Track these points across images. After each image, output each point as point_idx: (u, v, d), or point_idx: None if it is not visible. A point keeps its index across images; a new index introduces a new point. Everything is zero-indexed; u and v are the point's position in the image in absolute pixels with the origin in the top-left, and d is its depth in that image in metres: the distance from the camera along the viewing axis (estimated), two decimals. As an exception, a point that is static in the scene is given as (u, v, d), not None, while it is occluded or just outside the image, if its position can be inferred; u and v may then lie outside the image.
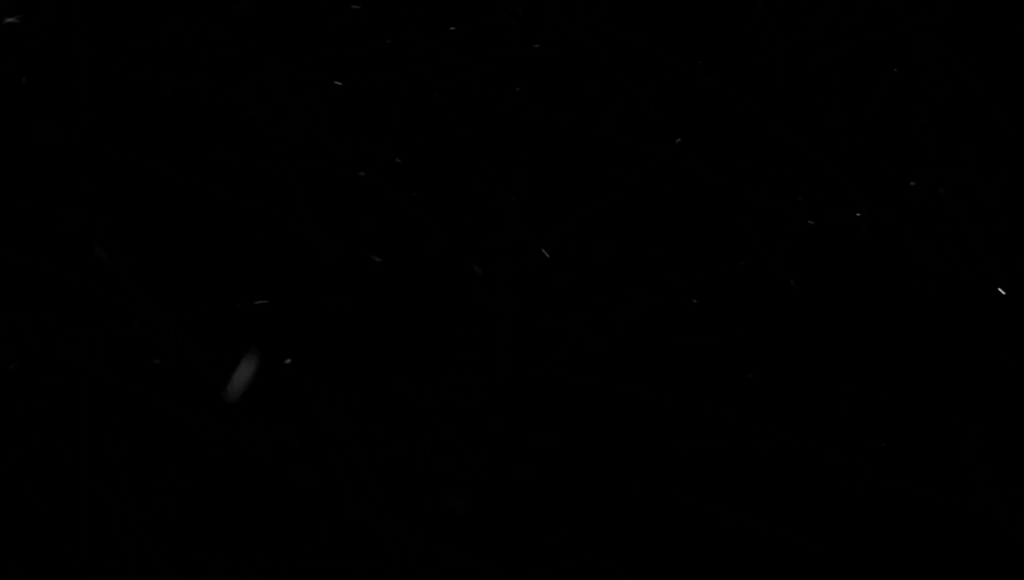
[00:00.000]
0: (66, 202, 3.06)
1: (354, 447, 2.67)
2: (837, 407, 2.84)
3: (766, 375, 2.88)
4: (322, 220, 3.10)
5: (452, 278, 3.01)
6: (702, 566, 2.57)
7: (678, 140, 2.59)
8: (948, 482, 2.72)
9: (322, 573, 2.49)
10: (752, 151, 3.38)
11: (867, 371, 2.91)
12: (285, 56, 3.45)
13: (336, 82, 2.45)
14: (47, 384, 2.71)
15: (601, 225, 3.17)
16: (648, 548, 2.59)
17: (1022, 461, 2.77)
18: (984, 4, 3.78)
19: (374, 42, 3.53)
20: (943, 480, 2.73)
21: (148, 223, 3.05)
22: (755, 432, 2.77)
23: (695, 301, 2.60)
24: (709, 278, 3.07)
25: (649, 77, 3.55)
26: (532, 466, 2.69)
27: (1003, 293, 2.58)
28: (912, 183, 3.04)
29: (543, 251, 2.38)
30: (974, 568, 2.61)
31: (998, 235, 3.22)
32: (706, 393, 2.83)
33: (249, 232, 3.06)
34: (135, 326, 2.83)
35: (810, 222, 3.18)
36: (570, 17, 3.66)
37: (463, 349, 2.87)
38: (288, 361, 2.63)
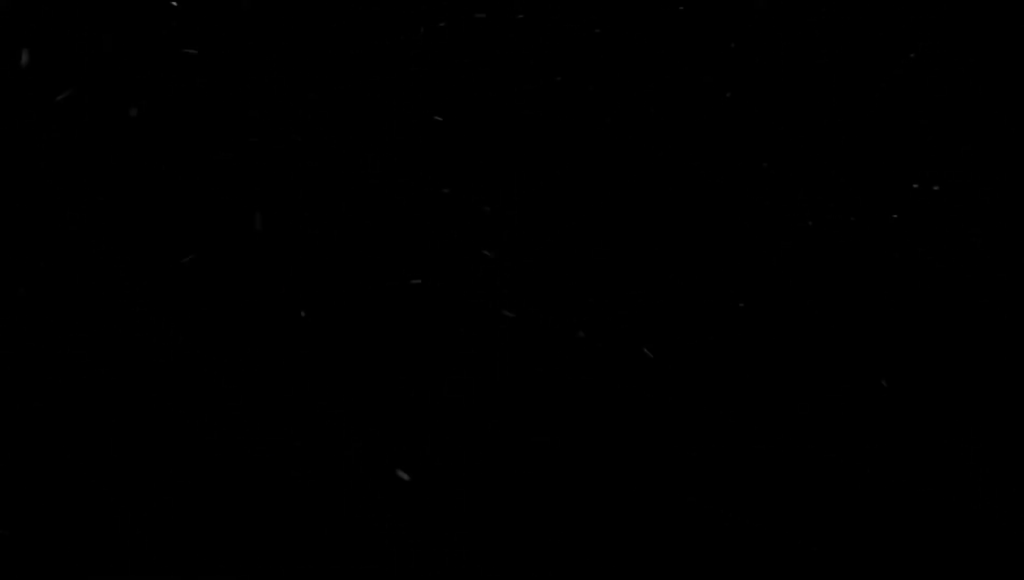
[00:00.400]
0: (66, 202, 3.06)
1: (354, 447, 2.67)
2: (837, 407, 2.84)
3: (766, 375, 2.88)
4: (322, 220, 3.10)
5: (452, 278, 3.01)
6: (702, 566, 2.57)
7: (728, 94, 2.57)
8: (948, 482, 2.72)
9: (322, 573, 2.49)
10: (752, 151, 3.38)
11: (867, 371, 2.91)
12: (285, 56, 3.45)
13: (437, 118, 2.45)
14: (47, 384, 2.71)
15: (601, 225, 3.17)
16: (648, 548, 2.59)
17: (1022, 461, 2.77)
18: (984, 4, 3.78)
19: (374, 42, 3.53)
20: (943, 480, 2.73)
21: (148, 223, 3.05)
22: (755, 432, 2.77)
23: (742, 305, 2.60)
24: (709, 278, 3.07)
25: (649, 77, 3.55)
26: (532, 466, 2.69)
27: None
28: (915, 185, 3.04)
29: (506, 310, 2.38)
30: (974, 568, 2.61)
31: (998, 235, 3.22)
32: (706, 393, 2.83)
33: (249, 232, 3.06)
34: (135, 326, 2.83)
35: (810, 222, 3.18)
36: (570, 17, 3.66)
37: (463, 349, 2.87)
38: (303, 313, 2.62)
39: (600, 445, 2.73)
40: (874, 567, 2.58)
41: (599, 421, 2.77)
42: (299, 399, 2.74)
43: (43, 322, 2.82)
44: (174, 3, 2.57)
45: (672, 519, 2.62)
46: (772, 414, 2.80)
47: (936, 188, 3.04)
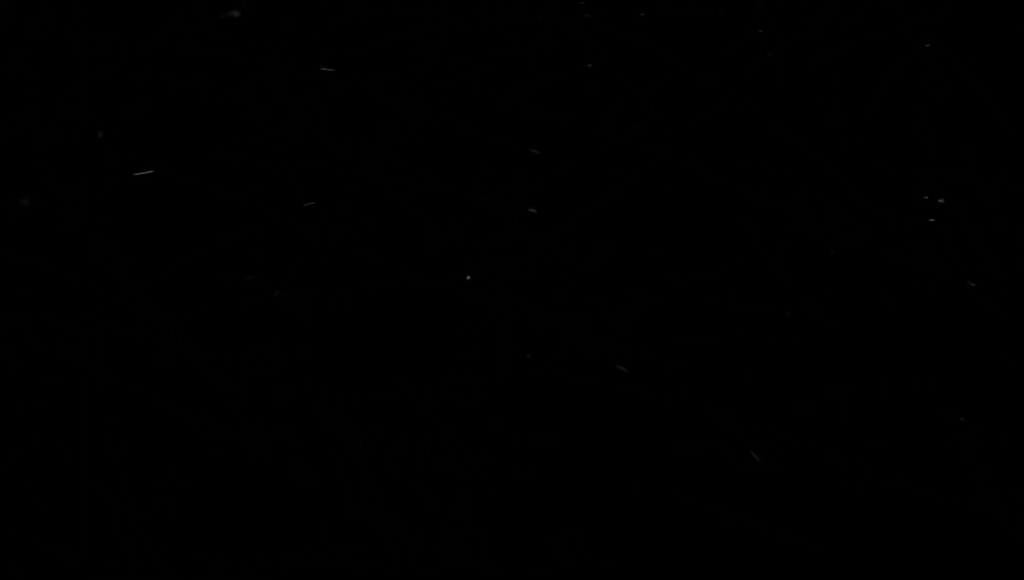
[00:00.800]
0: (66, 202, 3.06)
1: (354, 447, 2.67)
2: (837, 407, 2.83)
3: (766, 375, 2.88)
4: (322, 220, 3.10)
5: (452, 278, 3.01)
6: (702, 566, 2.56)
7: (770, 54, 2.56)
8: (948, 482, 2.72)
9: (322, 573, 2.49)
10: (752, 151, 3.38)
11: (867, 371, 2.91)
12: (285, 56, 3.45)
13: (534, 151, 2.44)
14: (47, 384, 2.71)
15: (601, 225, 3.17)
16: (648, 548, 2.59)
17: (1022, 461, 2.77)
18: (984, 4, 3.77)
19: (374, 42, 3.53)
20: (943, 480, 2.73)
21: (148, 223, 3.05)
22: (755, 432, 2.77)
23: (789, 314, 2.59)
24: (709, 278, 3.07)
25: (649, 77, 3.54)
26: (532, 466, 2.69)
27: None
28: (926, 197, 3.04)
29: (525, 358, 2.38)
30: (974, 568, 2.61)
31: (998, 235, 3.22)
32: (706, 393, 2.83)
33: (249, 232, 3.06)
34: (135, 326, 2.83)
35: (810, 223, 3.18)
36: (569, 17, 3.66)
37: (463, 349, 2.86)
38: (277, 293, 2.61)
39: (600, 445, 2.73)
40: (874, 567, 2.58)
41: (599, 421, 2.77)
42: (299, 399, 2.74)
43: (43, 322, 2.82)
44: (235, 13, 2.58)
45: (672, 519, 2.62)
46: (772, 414, 2.80)
47: (941, 201, 3.04)
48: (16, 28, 3.38)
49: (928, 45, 3.41)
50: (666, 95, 3.50)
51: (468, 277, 2.59)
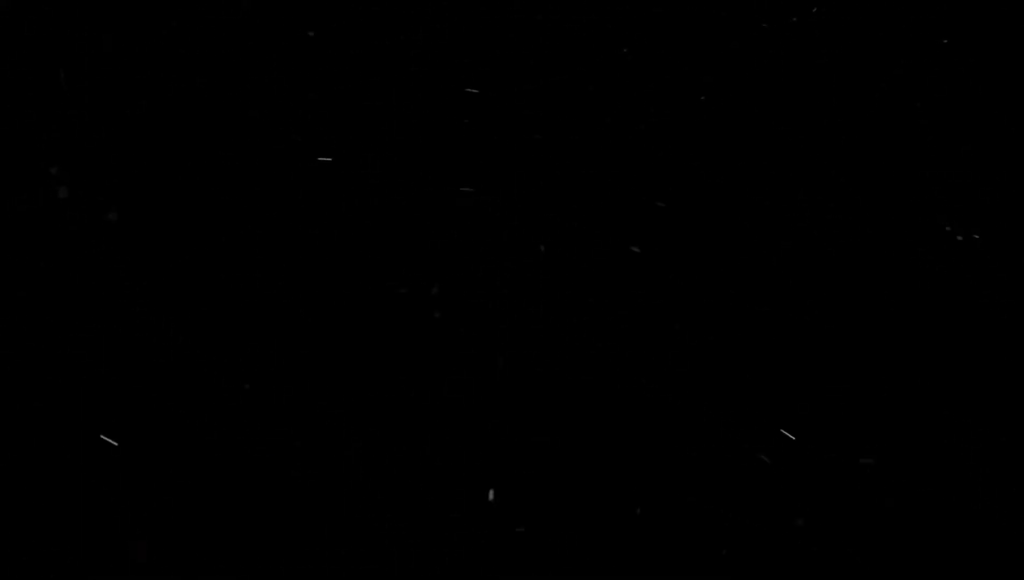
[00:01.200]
0: (67, 202, 3.07)
1: (354, 447, 2.67)
2: (837, 407, 2.84)
3: (766, 375, 2.88)
4: (322, 220, 3.10)
5: (452, 278, 3.01)
6: (702, 566, 2.57)
7: (770, 54, 2.55)
8: (948, 482, 2.73)
9: (322, 573, 2.49)
10: (752, 151, 3.38)
11: (867, 371, 2.91)
12: (285, 56, 3.45)
13: (471, 89, 2.44)
14: (47, 384, 2.71)
15: (601, 225, 3.17)
16: (648, 548, 2.59)
17: (1022, 461, 2.77)
18: (984, 4, 3.78)
19: (374, 42, 3.53)
20: (943, 480, 2.73)
21: (148, 223, 3.05)
22: (755, 432, 2.78)
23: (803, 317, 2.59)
24: (709, 278, 3.07)
25: (649, 77, 3.55)
26: (532, 466, 2.69)
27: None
28: (947, 228, 3.05)
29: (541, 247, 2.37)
30: (974, 568, 2.61)
31: (998, 235, 3.23)
32: (706, 393, 2.84)
33: (249, 232, 3.06)
34: (135, 326, 2.83)
35: (810, 223, 3.18)
36: (569, 17, 3.66)
37: (463, 349, 2.87)
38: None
39: (600, 445, 2.73)
40: (874, 567, 2.58)
41: (599, 421, 2.77)
42: (299, 399, 2.74)
43: (43, 322, 2.82)
44: (309, 33, 2.59)
45: (672, 519, 2.62)
46: (772, 414, 2.81)
47: (960, 238, 3.05)
48: (16, 28, 3.38)
49: (934, 43, 3.42)
50: (666, 95, 3.50)
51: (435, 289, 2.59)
